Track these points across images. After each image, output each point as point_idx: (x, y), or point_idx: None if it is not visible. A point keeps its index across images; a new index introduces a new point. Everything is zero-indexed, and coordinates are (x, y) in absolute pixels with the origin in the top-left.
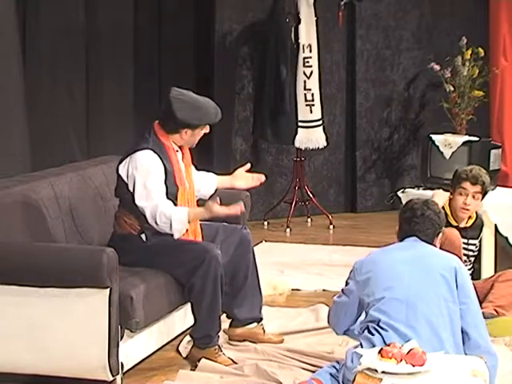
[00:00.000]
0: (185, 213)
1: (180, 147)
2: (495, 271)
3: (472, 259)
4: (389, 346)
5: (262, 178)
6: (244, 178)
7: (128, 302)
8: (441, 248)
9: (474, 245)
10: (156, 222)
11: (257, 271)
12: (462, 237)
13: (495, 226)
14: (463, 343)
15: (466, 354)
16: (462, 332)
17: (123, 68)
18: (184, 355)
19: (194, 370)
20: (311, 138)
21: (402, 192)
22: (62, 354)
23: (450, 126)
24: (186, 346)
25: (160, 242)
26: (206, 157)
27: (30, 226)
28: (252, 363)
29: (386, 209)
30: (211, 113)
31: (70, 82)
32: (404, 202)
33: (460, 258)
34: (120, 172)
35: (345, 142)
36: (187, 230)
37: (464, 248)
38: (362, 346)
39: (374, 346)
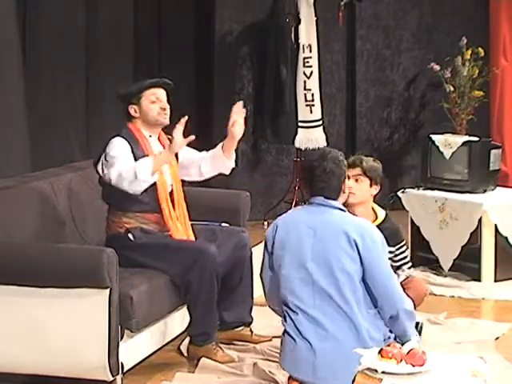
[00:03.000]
0: (149, 159)
1: (159, 139)
2: (495, 271)
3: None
4: (389, 346)
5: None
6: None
7: (128, 302)
8: (404, 291)
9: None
10: (122, 178)
11: (252, 275)
12: None
13: (495, 226)
14: (379, 308)
15: (382, 318)
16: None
17: (123, 68)
18: (185, 354)
19: (194, 371)
20: (311, 138)
21: (402, 192)
22: (61, 354)
23: (449, 125)
24: (186, 345)
25: (151, 242)
26: None
27: (30, 226)
28: (251, 362)
29: (386, 209)
30: (143, 81)
31: (70, 81)
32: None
33: (415, 304)
34: (98, 168)
35: (345, 142)
36: (178, 230)
37: None
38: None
39: (289, 335)
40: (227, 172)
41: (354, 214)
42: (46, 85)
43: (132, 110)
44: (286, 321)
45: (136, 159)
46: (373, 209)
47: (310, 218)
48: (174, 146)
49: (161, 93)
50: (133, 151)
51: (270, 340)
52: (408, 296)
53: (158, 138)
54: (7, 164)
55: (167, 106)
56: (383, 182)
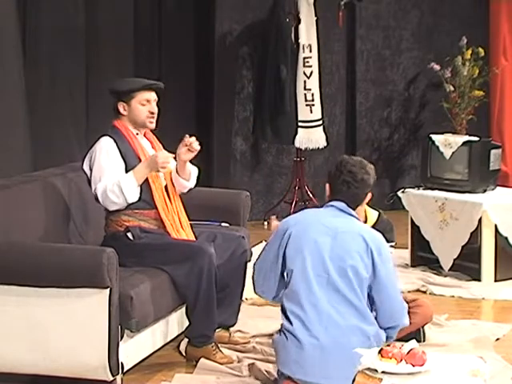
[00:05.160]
0: (130, 174)
1: (145, 135)
2: (495, 271)
3: None
4: (389, 346)
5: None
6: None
7: (128, 302)
8: (409, 314)
9: None
10: (108, 198)
11: (244, 281)
12: None
13: (495, 226)
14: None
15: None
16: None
17: (123, 68)
18: (183, 355)
19: (193, 371)
20: (311, 137)
21: (402, 192)
22: (62, 354)
23: (450, 126)
24: (185, 346)
25: (150, 242)
26: (206, 157)
27: (30, 226)
28: (249, 363)
29: (386, 209)
30: (138, 80)
31: (70, 81)
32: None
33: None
34: (84, 167)
35: (345, 142)
36: (175, 225)
37: None
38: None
39: (295, 336)
40: (185, 191)
41: None
42: (46, 85)
43: (121, 107)
44: (291, 324)
45: (123, 157)
46: (365, 211)
47: (329, 219)
48: (156, 163)
49: (152, 96)
50: (119, 149)
51: (248, 342)
52: (413, 320)
53: (144, 135)
54: (7, 164)
55: (156, 111)
56: (383, 182)
